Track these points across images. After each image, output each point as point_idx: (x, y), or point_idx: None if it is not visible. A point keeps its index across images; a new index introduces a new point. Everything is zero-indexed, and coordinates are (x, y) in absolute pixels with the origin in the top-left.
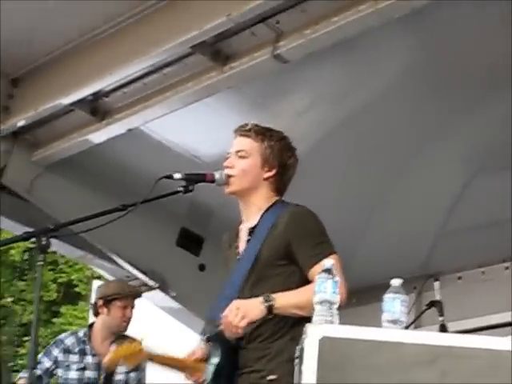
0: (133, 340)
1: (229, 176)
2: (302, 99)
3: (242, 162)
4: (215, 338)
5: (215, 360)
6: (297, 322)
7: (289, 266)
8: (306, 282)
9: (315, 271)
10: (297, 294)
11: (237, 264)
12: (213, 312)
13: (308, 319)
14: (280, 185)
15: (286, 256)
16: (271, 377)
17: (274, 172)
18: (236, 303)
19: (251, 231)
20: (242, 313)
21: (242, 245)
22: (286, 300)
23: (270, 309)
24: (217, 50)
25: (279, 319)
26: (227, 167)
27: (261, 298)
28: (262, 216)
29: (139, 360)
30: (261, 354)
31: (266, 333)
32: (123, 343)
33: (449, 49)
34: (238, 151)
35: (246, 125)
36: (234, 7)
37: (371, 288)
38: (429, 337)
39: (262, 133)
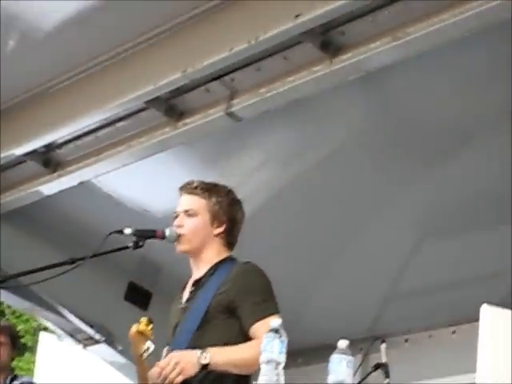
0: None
1: (179, 235)
2: (253, 158)
3: (191, 220)
4: None
5: None
6: (219, 378)
7: (231, 319)
8: (247, 336)
9: (257, 329)
10: (234, 352)
11: (183, 314)
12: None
13: (245, 378)
14: (230, 239)
15: (230, 311)
16: None
17: (223, 228)
18: (175, 356)
19: (196, 283)
20: (179, 368)
21: (185, 295)
22: (221, 358)
23: (204, 366)
24: (171, 106)
25: (216, 378)
26: (177, 226)
27: (198, 354)
28: (210, 269)
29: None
30: None
31: None
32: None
33: (398, 114)
34: (187, 210)
35: (192, 182)
36: (189, 63)
37: (318, 348)
38: None
39: (208, 189)
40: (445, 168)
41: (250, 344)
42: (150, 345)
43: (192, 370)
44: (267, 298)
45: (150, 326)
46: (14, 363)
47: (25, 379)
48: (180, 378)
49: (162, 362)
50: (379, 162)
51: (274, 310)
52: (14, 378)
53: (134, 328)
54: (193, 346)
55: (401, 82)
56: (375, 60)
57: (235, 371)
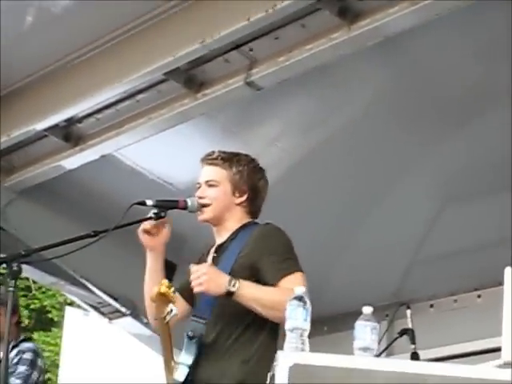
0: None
1: (202, 206)
2: (274, 127)
3: (213, 190)
4: (197, 338)
5: (189, 360)
6: (246, 344)
7: (255, 281)
8: None
9: (281, 286)
10: (263, 290)
11: None
12: (198, 311)
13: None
14: (253, 208)
15: (252, 272)
16: None
17: (245, 197)
18: (207, 269)
19: (218, 248)
20: (203, 280)
21: (208, 260)
22: (249, 291)
23: (229, 293)
24: (190, 77)
25: (230, 339)
26: (200, 197)
27: (228, 278)
28: (232, 234)
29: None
30: (212, 372)
31: (216, 351)
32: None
33: (418, 79)
34: (208, 181)
35: (213, 153)
36: (207, 34)
37: (343, 316)
38: (399, 364)
39: (229, 159)
40: (468, 131)
41: (281, 289)
42: (172, 307)
43: (215, 288)
44: (289, 256)
45: (172, 289)
46: (42, 338)
47: (23, 346)
48: (199, 288)
49: (193, 268)
50: (400, 127)
51: (296, 268)
52: (17, 344)
53: (156, 289)
54: (217, 310)
55: (420, 47)
56: (393, 25)
57: (258, 310)
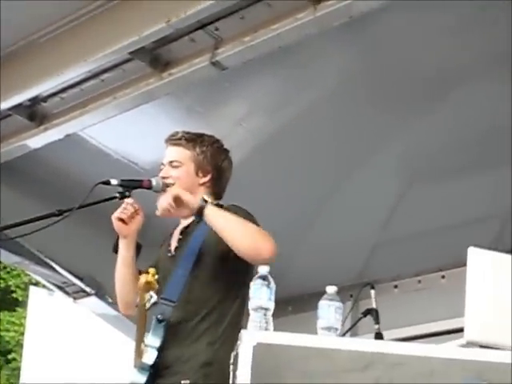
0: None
1: (166, 185)
2: (240, 107)
3: (176, 171)
4: (165, 321)
5: (157, 343)
6: (213, 326)
7: (224, 261)
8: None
9: None
10: (233, 216)
11: (171, 263)
12: (166, 294)
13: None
14: (217, 189)
15: (221, 252)
16: (184, 381)
17: (209, 177)
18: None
19: (183, 231)
20: (173, 193)
21: (173, 242)
22: (219, 211)
23: (201, 209)
24: (156, 56)
25: (196, 321)
26: (163, 178)
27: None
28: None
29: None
30: (178, 354)
31: (183, 333)
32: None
33: (384, 59)
34: (171, 161)
35: (177, 133)
36: (173, 13)
37: (308, 296)
38: (362, 344)
39: (193, 140)
40: (431, 112)
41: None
42: (152, 294)
43: (189, 197)
44: (255, 220)
45: (156, 277)
46: (7, 318)
47: None
48: (171, 195)
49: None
50: (366, 108)
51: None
52: None
53: (143, 278)
54: (187, 291)
55: (386, 26)
56: (359, 5)
57: (225, 230)
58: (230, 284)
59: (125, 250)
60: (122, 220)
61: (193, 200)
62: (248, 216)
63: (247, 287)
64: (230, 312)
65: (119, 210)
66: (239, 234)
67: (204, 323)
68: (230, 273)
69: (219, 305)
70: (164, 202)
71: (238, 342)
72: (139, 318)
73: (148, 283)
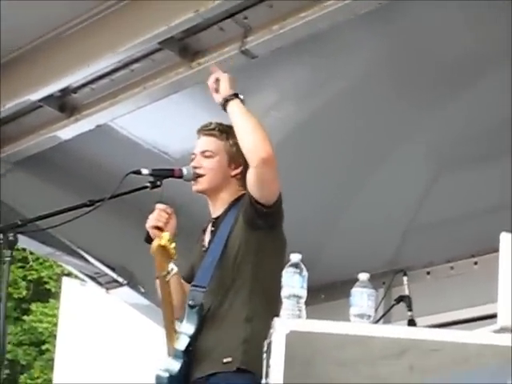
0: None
1: (198, 176)
2: (269, 95)
3: (208, 161)
4: (198, 307)
5: (191, 330)
6: (246, 302)
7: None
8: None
9: None
10: (255, 118)
11: (205, 255)
12: (197, 280)
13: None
14: None
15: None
16: (226, 360)
17: (240, 169)
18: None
19: (214, 222)
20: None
21: (207, 236)
22: (244, 108)
23: (226, 101)
24: (185, 46)
25: (229, 302)
26: (195, 167)
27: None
28: (227, 207)
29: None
30: (217, 336)
31: (218, 316)
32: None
33: (413, 46)
34: (204, 151)
35: (210, 124)
36: (201, 3)
37: (340, 284)
38: (396, 330)
39: (226, 131)
40: (463, 98)
41: None
42: (173, 266)
43: (227, 87)
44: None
45: (173, 245)
46: (40, 309)
47: None
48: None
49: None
50: (395, 94)
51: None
52: None
53: (156, 242)
54: (214, 281)
55: (415, 13)
56: None
57: (245, 133)
58: (259, 267)
59: None
60: (157, 227)
61: (226, 87)
62: None
63: (279, 265)
64: (261, 289)
65: (153, 218)
66: (247, 132)
67: (237, 302)
68: (258, 257)
69: (250, 283)
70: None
71: (271, 330)
72: (162, 292)
73: (161, 247)
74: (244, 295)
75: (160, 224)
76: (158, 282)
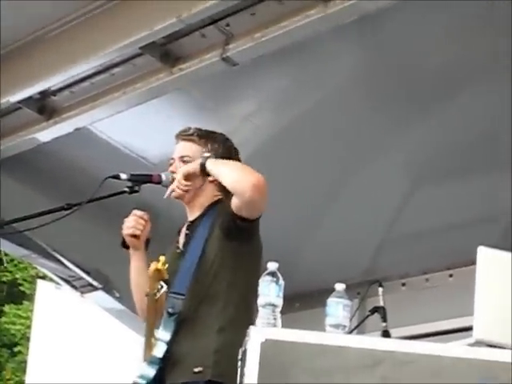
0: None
1: (174, 180)
2: (249, 103)
3: None
4: (176, 315)
5: (167, 336)
6: (221, 312)
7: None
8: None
9: None
10: (233, 162)
11: (181, 259)
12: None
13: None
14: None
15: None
16: (196, 369)
17: None
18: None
19: (189, 226)
20: (180, 171)
21: (181, 238)
22: (220, 162)
23: (203, 165)
24: (166, 52)
25: (204, 310)
26: (173, 172)
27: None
28: (203, 211)
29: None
30: (190, 344)
31: (192, 324)
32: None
33: (394, 58)
34: (182, 157)
35: (189, 129)
36: (184, 8)
37: (315, 293)
38: (371, 341)
39: (205, 136)
40: (440, 111)
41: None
42: (162, 284)
43: (192, 167)
44: None
45: (166, 266)
46: (13, 311)
47: None
48: (181, 176)
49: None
50: (374, 106)
51: None
52: None
53: (154, 266)
54: (193, 287)
55: (396, 25)
56: (370, 3)
57: (228, 176)
58: (235, 274)
59: (138, 261)
60: (134, 235)
61: (196, 166)
62: None
63: (255, 274)
64: (238, 300)
65: (130, 225)
66: (232, 174)
67: (211, 311)
68: (234, 264)
69: (225, 292)
70: (175, 186)
71: (246, 338)
72: (149, 308)
73: (157, 270)
74: (219, 304)
75: (138, 232)
76: (145, 298)
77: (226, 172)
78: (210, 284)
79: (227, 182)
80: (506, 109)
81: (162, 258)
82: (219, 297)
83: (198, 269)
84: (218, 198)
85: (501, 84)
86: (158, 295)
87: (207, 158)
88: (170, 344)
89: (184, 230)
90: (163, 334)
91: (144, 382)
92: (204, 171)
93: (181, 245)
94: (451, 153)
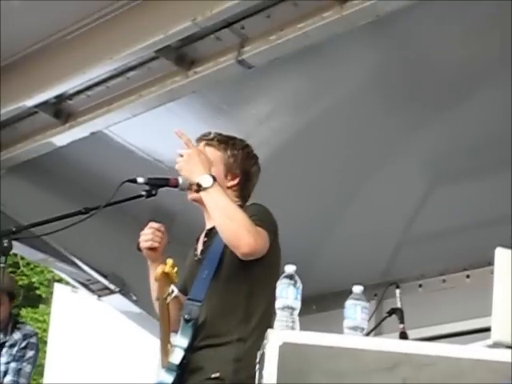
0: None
1: (192, 184)
2: (265, 105)
3: None
4: (193, 321)
5: (185, 343)
6: (242, 323)
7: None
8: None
9: None
10: (232, 204)
11: (199, 266)
12: (192, 294)
13: None
14: (243, 192)
15: None
16: (215, 375)
17: (237, 181)
18: (192, 151)
19: (208, 233)
20: (182, 159)
21: (199, 246)
22: (218, 195)
23: (199, 186)
24: (181, 55)
25: (224, 319)
26: None
27: (204, 172)
28: None
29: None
30: (209, 352)
31: (212, 332)
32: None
33: (409, 58)
34: None
35: (209, 133)
36: (199, 12)
37: (332, 295)
38: (389, 344)
39: (224, 142)
40: (455, 113)
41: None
42: (173, 288)
43: (186, 172)
44: (262, 218)
45: (175, 269)
46: (30, 315)
47: (27, 329)
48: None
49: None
50: (391, 107)
51: (263, 226)
52: (15, 325)
53: (160, 269)
54: (210, 294)
55: (412, 27)
56: (386, 4)
57: (216, 218)
58: (255, 281)
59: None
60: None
61: (191, 175)
62: (257, 216)
63: (274, 285)
64: (258, 309)
65: (148, 238)
66: (224, 223)
67: (232, 321)
68: (254, 270)
69: (246, 302)
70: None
71: (265, 341)
72: (161, 313)
73: (165, 274)
74: (239, 315)
75: (156, 245)
76: (157, 302)
77: (222, 216)
78: (228, 293)
79: (220, 228)
80: None
81: (170, 261)
82: (239, 307)
83: (215, 277)
84: (238, 204)
85: None
86: (169, 299)
87: (210, 178)
88: (187, 351)
89: (202, 237)
90: (181, 341)
91: None
92: (199, 189)
93: (199, 252)
94: (466, 153)
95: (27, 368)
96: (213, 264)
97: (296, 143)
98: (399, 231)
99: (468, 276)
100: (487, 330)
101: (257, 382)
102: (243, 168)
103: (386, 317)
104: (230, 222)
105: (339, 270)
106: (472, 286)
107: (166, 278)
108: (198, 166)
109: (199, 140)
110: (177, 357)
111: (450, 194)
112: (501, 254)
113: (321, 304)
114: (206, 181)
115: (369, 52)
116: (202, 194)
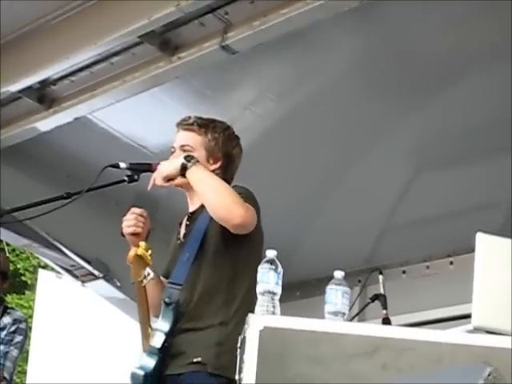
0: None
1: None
2: (249, 91)
3: None
4: (174, 304)
5: (166, 327)
6: (224, 306)
7: (227, 247)
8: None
9: None
10: (217, 179)
11: (180, 250)
12: (173, 277)
13: None
14: (226, 175)
15: (223, 235)
16: (196, 359)
17: (219, 164)
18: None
19: (190, 216)
20: (159, 173)
21: (182, 229)
22: (203, 172)
23: (184, 167)
24: (165, 40)
25: (206, 302)
26: None
27: (183, 155)
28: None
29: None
30: (191, 335)
31: (194, 315)
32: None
33: (394, 45)
34: (183, 146)
35: (189, 118)
36: None
37: (316, 281)
38: (370, 329)
39: (205, 125)
40: (441, 99)
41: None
42: (149, 271)
43: (170, 167)
44: (248, 196)
45: (149, 252)
46: (15, 301)
47: (17, 315)
48: (159, 180)
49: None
50: (376, 93)
51: (250, 202)
52: (5, 310)
53: (133, 252)
54: (192, 276)
55: (396, 11)
56: None
57: (204, 194)
58: (238, 264)
59: None
60: (135, 233)
61: (176, 168)
62: (243, 193)
63: (256, 268)
64: (240, 291)
65: (131, 224)
66: (214, 197)
67: (214, 304)
68: (236, 254)
69: (228, 285)
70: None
71: (245, 326)
72: (138, 296)
73: (139, 257)
74: (221, 298)
75: (139, 230)
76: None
77: (211, 191)
78: (210, 276)
79: (209, 203)
80: (507, 95)
81: (142, 244)
82: (221, 290)
83: (196, 260)
84: None
85: (502, 71)
86: (145, 282)
87: (190, 159)
88: (169, 335)
89: (185, 222)
90: (162, 325)
91: (143, 372)
92: (184, 172)
93: (182, 235)
94: (451, 140)
95: (14, 352)
96: (194, 247)
97: (280, 129)
98: (383, 217)
99: (451, 262)
100: (470, 316)
101: (238, 366)
102: (225, 151)
103: (368, 303)
104: (219, 196)
105: (323, 256)
106: (455, 272)
107: (139, 261)
108: (176, 158)
109: (179, 125)
110: (158, 340)
111: (434, 180)
112: (481, 239)
113: (305, 290)
114: (187, 161)
115: (353, 38)
116: (187, 174)
